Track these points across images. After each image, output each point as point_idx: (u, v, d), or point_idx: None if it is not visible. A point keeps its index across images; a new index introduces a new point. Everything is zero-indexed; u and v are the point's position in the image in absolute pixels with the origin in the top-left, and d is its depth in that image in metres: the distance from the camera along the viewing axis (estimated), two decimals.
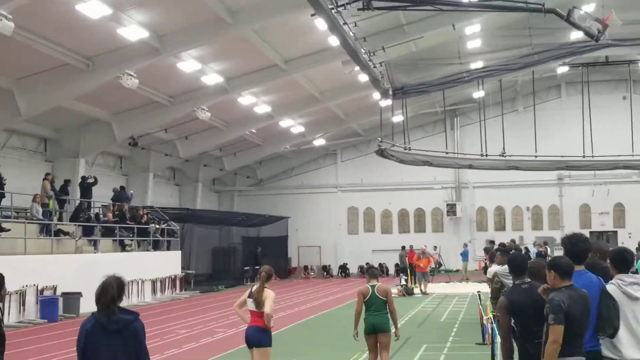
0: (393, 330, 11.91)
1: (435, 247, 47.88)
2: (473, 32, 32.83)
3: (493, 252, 19.48)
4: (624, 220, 48.08)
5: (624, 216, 48.38)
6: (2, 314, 9.04)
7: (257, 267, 36.06)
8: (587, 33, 22.72)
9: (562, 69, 42.52)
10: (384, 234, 51.07)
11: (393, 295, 12.41)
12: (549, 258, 14.96)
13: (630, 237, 38.57)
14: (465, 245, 46.57)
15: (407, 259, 36.71)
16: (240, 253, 47.32)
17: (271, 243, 48.74)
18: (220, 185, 52.98)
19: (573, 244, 7.33)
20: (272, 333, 10.50)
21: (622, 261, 7.17)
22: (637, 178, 44.93)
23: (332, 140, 49.37)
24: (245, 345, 10.59)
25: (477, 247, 45.62)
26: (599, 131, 37.29)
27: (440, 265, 47.24)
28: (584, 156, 37.00)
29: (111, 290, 6.59)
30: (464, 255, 44.42)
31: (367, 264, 44.85)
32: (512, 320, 7.60)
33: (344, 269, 50.73)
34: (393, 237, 49.32)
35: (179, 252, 36.67)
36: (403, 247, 39.45)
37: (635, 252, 15.62)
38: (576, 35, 27.12)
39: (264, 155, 49.25)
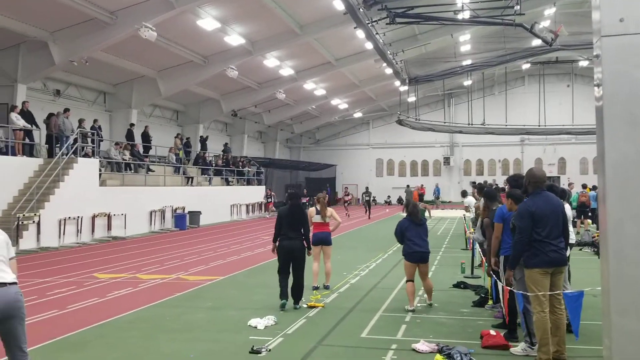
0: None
1: (438, 186, 47.39)
2: (465, 39, 32.12)
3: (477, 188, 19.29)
4: (565, 169, 47.16)
5: (565, 166, 47.44)
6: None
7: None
8: (544, 40, 22.16)
9: (526, 65, 41.44)
10: (400, 177, 50.73)
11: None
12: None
13: (569, 180, 37.78)
14: (469, 185, 45.79)
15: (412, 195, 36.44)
16: (304, 188, 47.38)
17: (325, 182, 48.79)
18: (291, 143, 53.05)
19: (516, 180, 7.47)
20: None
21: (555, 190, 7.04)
22: (575, 140, 43.88)
23: (366, 114, 48.96)
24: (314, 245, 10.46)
25: (465, 185, 44.98)
26: (549, 108, 36.53)
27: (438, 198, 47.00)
28: (539, 125, 36.32)
29: (416, 208, 9.08)
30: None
31: (406, 201, 44.28)
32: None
33: (374, 200, 50.72)
34: (406, 179, 49.04)
35: (264, 186, 37.10)
36: (408, 186, 39.34)
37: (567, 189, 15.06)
38: (536, 42, 26.40)
39: (320, 123, 48.93)
